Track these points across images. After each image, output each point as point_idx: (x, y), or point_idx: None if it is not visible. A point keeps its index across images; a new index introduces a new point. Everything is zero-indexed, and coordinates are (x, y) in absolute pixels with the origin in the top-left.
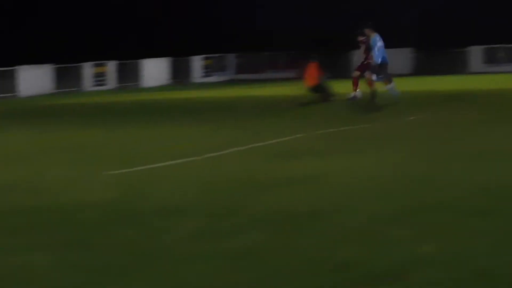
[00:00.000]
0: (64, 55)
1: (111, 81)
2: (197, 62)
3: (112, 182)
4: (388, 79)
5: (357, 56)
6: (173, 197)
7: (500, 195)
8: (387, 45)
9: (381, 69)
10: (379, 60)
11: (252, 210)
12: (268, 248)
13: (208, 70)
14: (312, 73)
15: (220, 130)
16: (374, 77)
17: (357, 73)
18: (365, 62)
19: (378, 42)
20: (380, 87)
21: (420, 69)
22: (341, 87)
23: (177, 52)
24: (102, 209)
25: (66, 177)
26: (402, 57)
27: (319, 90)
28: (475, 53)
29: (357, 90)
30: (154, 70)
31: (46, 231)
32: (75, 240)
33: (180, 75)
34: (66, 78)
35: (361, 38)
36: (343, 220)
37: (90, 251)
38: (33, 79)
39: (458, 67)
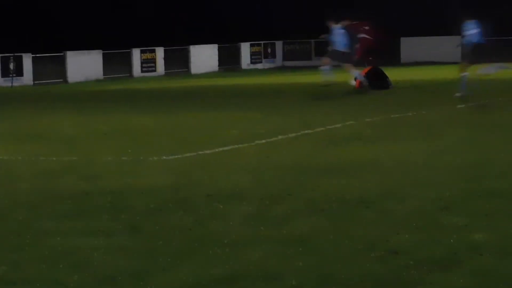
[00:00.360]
0: (113, 41)
1: (160, 67)
2: (245, 49)
3: (163, 168)
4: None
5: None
6: (225, 183)
7: None
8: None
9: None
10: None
11: (304, 196)
12: (322, 235)
13: (257, 56)
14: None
15: (269, 117)
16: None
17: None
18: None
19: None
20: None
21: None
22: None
23: (226, 38)
24: (154, 195)
25: (117, 163)
26: (448, 45)
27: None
28: None
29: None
30: (203, 57)
31: (97, 216)
32: (127, 225)
33: (228, 61)
34: (115, 64)
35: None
36: (394, 207)
37: (142, 236)
38: (82, 65)
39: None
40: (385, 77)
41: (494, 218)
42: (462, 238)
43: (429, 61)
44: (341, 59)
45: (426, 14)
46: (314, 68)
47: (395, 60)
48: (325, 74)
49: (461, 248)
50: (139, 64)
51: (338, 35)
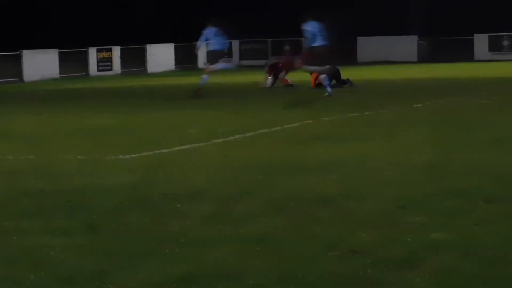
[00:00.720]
0: (69, 40)
1: (116, 66)
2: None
3: (121, 167)
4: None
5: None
6: (185, 182)
7: (510, 182)
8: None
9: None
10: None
11: (263, 196)
12: (282, 234)
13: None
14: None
15: (226, 116)
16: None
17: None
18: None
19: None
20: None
21: (425, 57)
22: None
23: (183, 37)
24: (112, 194)
25: (76, 162)
26: (407, 45)
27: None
28: (480, 41)
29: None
30: (160, 56)
31: (57, 215)
32: (87, 224)
33: (185, 60)
34: (71, 63)
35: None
36: (354, 206)
37: (102, 235)
38: (38, 64)
39: (463, 55)
40: (340, 77)
41: (453, 218)
42: (421, 237)
43: (385, 61)
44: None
45: (383, 13)
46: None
47: (352, 59)
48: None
49: (420, 248)
50: (96, 63)
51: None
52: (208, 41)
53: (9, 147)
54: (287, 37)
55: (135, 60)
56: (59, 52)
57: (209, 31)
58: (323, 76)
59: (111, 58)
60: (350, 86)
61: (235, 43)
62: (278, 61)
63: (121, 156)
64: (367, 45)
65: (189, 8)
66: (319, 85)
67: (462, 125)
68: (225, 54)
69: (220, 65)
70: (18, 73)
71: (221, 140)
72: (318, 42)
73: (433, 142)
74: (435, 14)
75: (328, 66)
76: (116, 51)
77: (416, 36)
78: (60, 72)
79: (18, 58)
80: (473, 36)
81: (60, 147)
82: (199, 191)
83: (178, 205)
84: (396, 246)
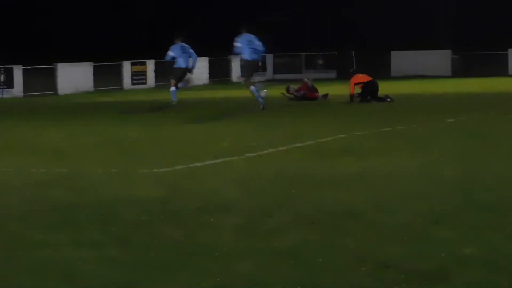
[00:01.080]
0: (104, 54)
1: (150, 79)
2: (235, 62)
3: (153, 180)
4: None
5: None
6: (216, 195)
7: None
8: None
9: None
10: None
11: (295, 209)
12: (312, 248)
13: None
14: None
15: (260, 129)
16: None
17: None
18: None
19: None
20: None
21: (459, 71)
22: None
23: (216, 51)
24: (144, 207)
25: (107, 175)
26: (441, 59)
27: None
28: None
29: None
30: (195, 70)
31: (87, 227)
32: (117, 237)
33: (219, 74)
34: (106, 76)
35: None
36: (384, 220)
37: (133, 248)
38: (72, 77)
39: (497, 68)
40: (376, 92)
41: (483, 232)
42: (452, 251)
43: (419, 75)
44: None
45: (416, 28)
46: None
47: (385, 73)
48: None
49: (451, 262)
50: (130, 76)
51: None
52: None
53: (41, 160)
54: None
55: (169, 74)
56: (94, 66)
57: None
58: (253, 87)
59: (145, 71)
60: (390, 101)
61: (269, 57)
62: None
63: (154, 170)
64: (400, 59)
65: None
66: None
67: (494, 140)
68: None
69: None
70: (52, 86)
71: (254, 154)
72: (247, 56)
73: (464, 156)
74: (468, 28)
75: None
76: (150, 65)
77: (450, 50)
78: (95, 86)
79: (52, 71)
80: (507, 50)
81: (92, 159)
82: (230, 204)
83: (211, 219)
84: (427, 260)
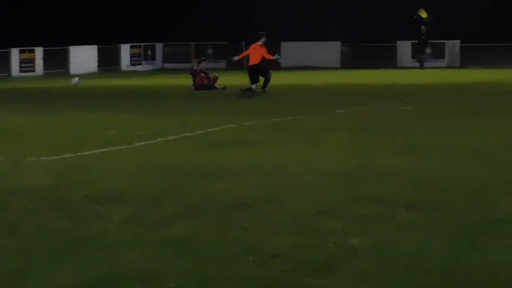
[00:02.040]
0: None
1: (39, 67)
2: (125, 50)
3: (41, 169)
4: None
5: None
6: (104, 184)
7: (429, 189)
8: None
9: None
10: None
11: (183, 199)
12: (200, 238)
13: (136, 58)
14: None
15: (148, 119)
16: None
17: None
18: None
19: None
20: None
21: (348, 63)
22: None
23: (106, 39)
24: (31, 195)
25: None
26: (330, 51)
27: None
28: (404, 48)
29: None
30: (82, 57)
31: None
32: (4, 225)
33: (108, 62)
34: None
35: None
36: (273, 211)
37: (20, 237)
38: None
39: (387, 61)
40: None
41: (371, 223)
42: (340, 242)
43: (308, 66)
44: None
45: (306, 19)
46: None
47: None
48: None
49: (339, 253)
50: (18, 64)
51: None
52: None
53: None
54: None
55: (57, 62)
56: None
57: None
58: None
59: (33, 59)
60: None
61: (159, 46)
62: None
63: (41, 158)
64: (290, 50)
65: (112, 10)
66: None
67: (381, 132)
68: None
69: None
70: None
71: (143, 143)
72: None
73: (353, 148)
74: (357, 20)
75: None
76: (39, 52)
77: (339, 42)
78: None
79: None
80: (396, 43)
81: None
82: (119, 193)
83: (99, 208)
84: (315, 251)
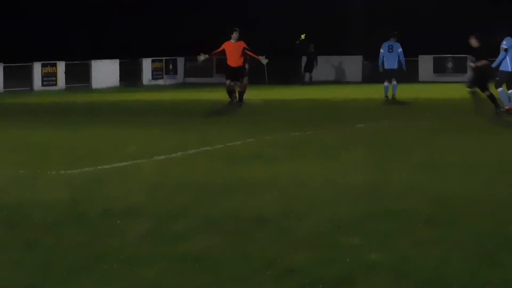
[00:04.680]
0: (14, 54)
1: (61, 81)
2: (147, 65)
3: (61, 182)
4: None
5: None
6: (123, 199)
7: (448, 205)
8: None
9: None
10: None
11: (202, 214)
12: (218, 253)
13: (158, 72)
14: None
15: (169, 133)
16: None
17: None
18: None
19: None
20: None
21: (370, 77)
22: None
23: (127, 54)
24: (51, 209)
25: (15, 176)
26: (352, 65)
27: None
28: (425, 62)
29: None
30: (104, 72)
31: None
32: (23, 239)
33: (130, 77)
34: (15, 77)
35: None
36: (291, 226)
37: (38, 251)
38: None
39: (408, 76)
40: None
41: (388, 239)
42: (358, 258)
43: (328, 80)
44: None
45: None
46: (215, 85)
47: (297, 78)
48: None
49: (357, 268)
50: (40, 78)
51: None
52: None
53: None
54: None
55: (79, 76)
56: (3, 66)
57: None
58: None
59: (55, 73)
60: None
61: (180, 60)
62: None
63: (62, 172)
64: (320, 64)
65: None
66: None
67: (400, 147)
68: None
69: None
70: None
71: (162, 157)
72: None
73: (371, 163)
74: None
75: None
76: (61, 66)
77: (361, 56)
78: (4, 86)
79: None
80: (417, 57)
81: (0, 161)
82: (138, 208)
83: (117, 222)
84: (333, 266)
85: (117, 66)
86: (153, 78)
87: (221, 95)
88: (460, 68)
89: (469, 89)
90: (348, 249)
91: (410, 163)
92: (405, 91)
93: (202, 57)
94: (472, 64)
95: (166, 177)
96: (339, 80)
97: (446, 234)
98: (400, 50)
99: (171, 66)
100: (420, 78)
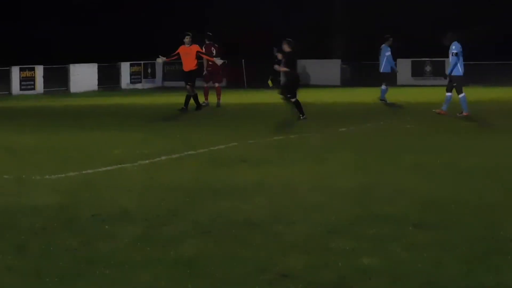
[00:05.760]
0: None
1: (39, 85)
2: (125, 68)
3: (47, 187)
4: None
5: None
6: (111, 203)
7: (438, 208)
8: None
9: None
10: None
11: (192, 218)
12: (209, 257)
13: (136, 76)
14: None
15: (151, 137)
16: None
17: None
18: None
19: None
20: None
21: (348, 81)
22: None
23: (105, 57)
24: (38, 214)
25: (1, 181)
26: (331, 69)
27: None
28: (403, 66)
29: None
30: (83, 76)
31: None
32: (12, 245)
33: (108, 81)
34: None
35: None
36: (282, 230)
37: (28, 256)
38: None
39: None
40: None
41: (381, 242)
42: (351, 262)
43: (309, 84)
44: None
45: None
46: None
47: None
48: None
49: (350, 272)
50: (18, 82)
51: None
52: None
53: None
54: None
55: (58, 80)
56: None
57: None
58: None
59: (34, 77)
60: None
61: (159, 64)
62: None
63: (47, 176)
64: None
65: (112, 28)
66: None
67: (386, 150)
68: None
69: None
70: None
71: (147, 161)
72: None
73: (358, 166)
74: (358, 38)
75: None
76: (39, 70)
77: (340, 60)
78: None
79: None
80: (396, 60)
81: None
82: (126, 212)
83: (106, 227)
84: (326, 271)
85: (95, 70)
86: (131, 82)
87: (200, 99)
88: (438, 71)
89: (281, 96)
90: (341, 253)
91: (398, 165)
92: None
93: (160, 60)
94: (276, 67)
95: (152, 181)
96: (318, 84)
97: (437, 237)
98: (387, 53)
99: (149, 70)
100: (399, 81)
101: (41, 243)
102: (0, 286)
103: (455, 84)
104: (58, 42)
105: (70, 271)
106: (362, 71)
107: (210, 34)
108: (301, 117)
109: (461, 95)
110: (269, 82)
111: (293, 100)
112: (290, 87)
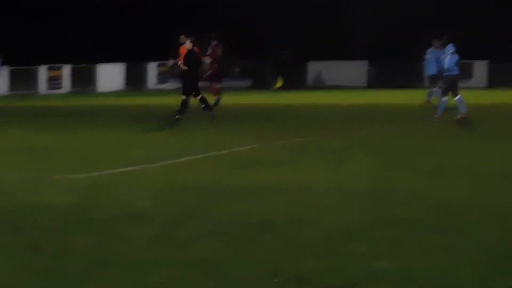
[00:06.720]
0: (19, 58)
1: (66, 84)
2: (152, 68)
3: (68, 187)
4: None
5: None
6: (130, 203)
7: (454, 212)
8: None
9: None
10: None
11: (209, 219)
12: (224, 258)
13: (163, 76)
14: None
15: (175, 137)
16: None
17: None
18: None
19: None
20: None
21: (374, 83)
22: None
23: (132, 57)
24: (57, 214)
25: (21, 180)
26: (357, 70)
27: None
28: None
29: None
30: (109, 75)
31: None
32: (30, 244)
33: (135, 80)
34: (21, 80)
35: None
36: (298, 232)
37: (45, 256)
38: None
39: (413, 81)
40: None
41: (396, 246)
42: (365, 265)
43: (334, 85)
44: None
45: (333, 38)
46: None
47: (301, 83)
48: None
49: (364, 276)
50: (45, 81)
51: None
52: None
53: None
54: None
55: (85, 79)
56: (9, 70)
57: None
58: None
59: (61, 76)
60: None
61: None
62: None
63: (68, 176)
64: (317, 70)
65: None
66: None
67: (407, 153)
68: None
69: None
70: None
71: (169, 162)
72: None
73: (377, 169)
74: (384, 39)
75: None
76: (67, 70)
77: (367, 61)
78: (10, 90)
79: None
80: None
81: (6, 165)
82: (143, 213)
83: (122, 227)
84: (340, 274)
85: (122, 69)
86: (158, 82)
87: (227, 100)
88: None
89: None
90: (356, 256)
91: (416, 169)
92: (410, 96)
93: (171, 62)
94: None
95: (172, 181)
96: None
97: (453, 241)
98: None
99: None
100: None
101: (57, 243)
102: (13, 284)
103: (445, 86)
104: (85, 41)
105: (84, 271)
106: (389, 73)
107: (216, 35)
108: (179, 117)
109: (456, 97)
110: (278, 83)
111: (198, 98)
112: (188, 87)
